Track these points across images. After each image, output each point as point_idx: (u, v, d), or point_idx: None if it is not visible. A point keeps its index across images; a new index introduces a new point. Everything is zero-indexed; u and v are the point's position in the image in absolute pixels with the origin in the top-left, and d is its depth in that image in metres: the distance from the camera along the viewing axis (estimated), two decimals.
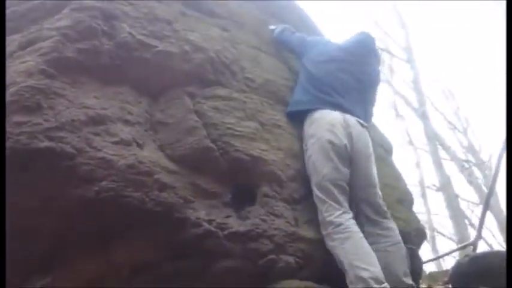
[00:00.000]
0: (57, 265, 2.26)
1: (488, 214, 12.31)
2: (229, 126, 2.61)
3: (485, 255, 3.33)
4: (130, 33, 2.50)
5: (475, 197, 13.65)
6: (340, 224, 2.53)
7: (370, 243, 2.55)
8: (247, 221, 2.44)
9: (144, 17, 2.63)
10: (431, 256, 11.19)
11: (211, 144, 2.50)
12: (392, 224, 2.78)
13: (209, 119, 2.58)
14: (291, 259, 2.48)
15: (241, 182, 2.58)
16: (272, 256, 2.42)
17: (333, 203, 2.59)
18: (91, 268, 2.27)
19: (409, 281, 2.59)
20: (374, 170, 2.88)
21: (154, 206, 2.20)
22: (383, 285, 2.35)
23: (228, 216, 2.42)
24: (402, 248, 2.72)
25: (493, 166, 4.81)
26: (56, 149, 2.06)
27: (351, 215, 2.61)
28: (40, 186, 2.09)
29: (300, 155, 2.85)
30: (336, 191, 2.62)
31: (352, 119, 2.85)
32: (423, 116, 12.75)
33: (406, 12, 15.12)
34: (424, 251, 14.80)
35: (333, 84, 2.95)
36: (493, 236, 14.27)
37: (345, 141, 2.75)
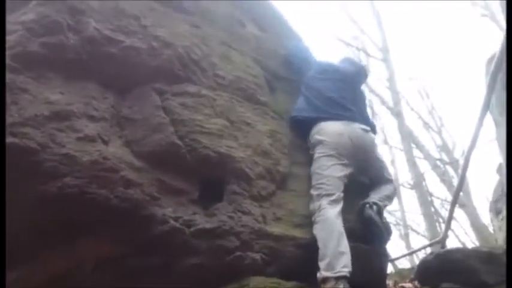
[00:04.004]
0: (23, 261, 2.23)
1: (462, 212, 12.62)
2: (197, 123, 2.60)
3: (448, 252, 3.42)
4: (96, 28, 2.45)
5: (448, 195, 13.90)
6: (321, 209, 2.78)
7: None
8: (214, 218, 2.45)
9: (111, 12, 2.57)
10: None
11: (178, 141, 2.48)
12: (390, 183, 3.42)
13: (177, 116, 2.56)
14: (257, 256, 2.50)
15: (209, 179, 2.59)
16: (238, 253, 2.44)
17: (325, 197, 2.84)
18: (56, 264, 2.25)
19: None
20: (378, 163, 3.39)
21: (120, 202, 2.19)
22: (345, 268, 2.53)
23: (194, 213, 2.43)
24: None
25: (461, 166, 4.89)
26: (19, 144, 2.04)
27: (336, 205, 2.84)
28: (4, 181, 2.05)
29: (268, 152, 2.86)
30: (332, 188, 2.89)
31: (354, 126, 3.20)
32: (398, 115, 12.88)
33: (382, 10, 15.10)
34: (399, 249, 15.07)
35: (336, 99, 3.31)
36: (466, 233, 14.62)
37: (350, 145, 3.09)
